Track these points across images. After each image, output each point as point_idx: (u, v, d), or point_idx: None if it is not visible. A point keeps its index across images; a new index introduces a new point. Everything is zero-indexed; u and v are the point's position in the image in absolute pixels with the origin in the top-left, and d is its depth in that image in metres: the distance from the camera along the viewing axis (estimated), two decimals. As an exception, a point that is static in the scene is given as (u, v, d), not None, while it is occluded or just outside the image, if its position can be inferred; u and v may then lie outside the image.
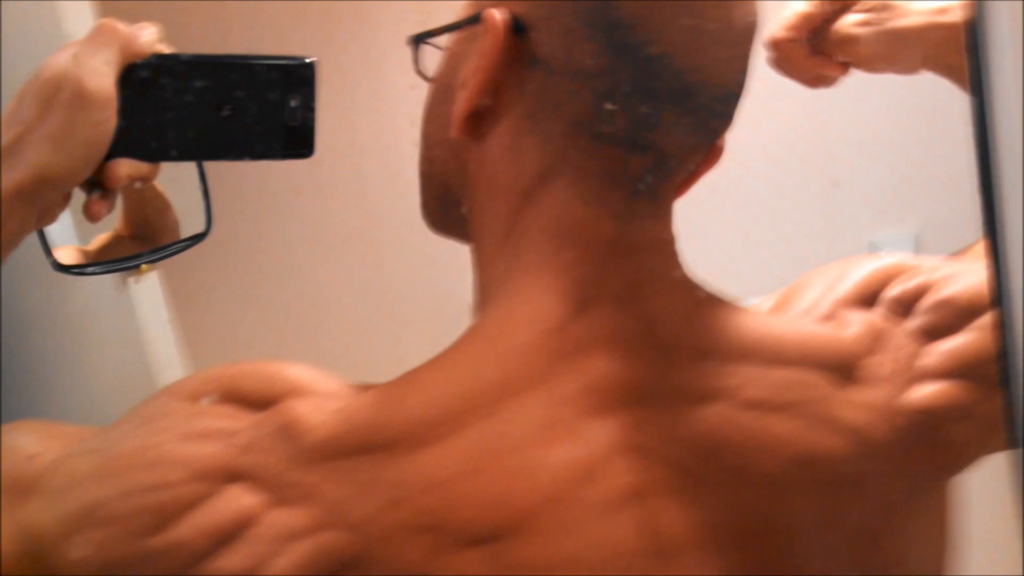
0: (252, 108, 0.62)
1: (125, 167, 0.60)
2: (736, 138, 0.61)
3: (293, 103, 0.63)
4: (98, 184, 0.61)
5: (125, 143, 0.60)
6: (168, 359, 1.13)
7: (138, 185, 0.64)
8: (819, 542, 0.55)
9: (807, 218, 1.64)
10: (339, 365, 0.60)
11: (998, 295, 0.36)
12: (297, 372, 0.55)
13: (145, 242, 0.76)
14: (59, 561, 0.51)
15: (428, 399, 0.53)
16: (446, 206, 0.64)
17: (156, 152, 0.62)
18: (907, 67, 0.75)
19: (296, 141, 0.64)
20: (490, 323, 0.57)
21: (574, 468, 0.52)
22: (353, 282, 1.82)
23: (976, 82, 0.33)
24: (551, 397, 0.53)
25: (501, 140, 0.57)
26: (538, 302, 0.55)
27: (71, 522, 0.51)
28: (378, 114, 1.71)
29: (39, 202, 0.58)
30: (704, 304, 0.58)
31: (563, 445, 0.52)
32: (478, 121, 0.58)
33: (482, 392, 0.53)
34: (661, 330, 0.56)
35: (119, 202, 0.69)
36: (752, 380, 0.55)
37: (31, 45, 1.04)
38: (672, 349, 0.56)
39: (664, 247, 0.59)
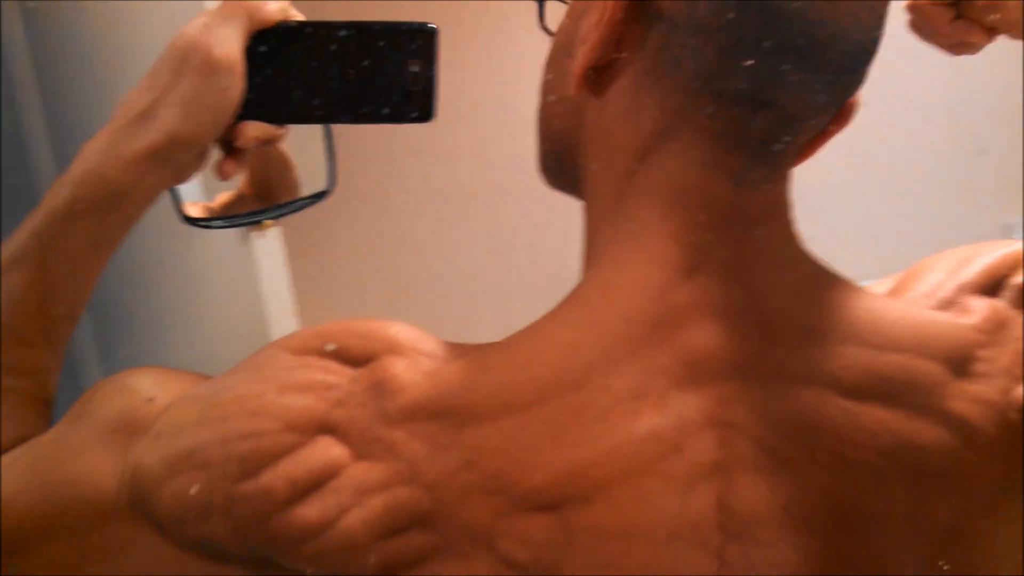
0: (374, 73, 0.64)
1: (253, 129, 0.64)
2: (870, 94, 0.57)
3: (414, 68, 0.64)
4: (229, 145, 0.65)
5: (254, 107, 0.63)
6: (284, 314, 1.15)
7: (266, 147, 0.67)
8: (903, 535, 0.53)
9: (941, 188, 1.50)
10: (451, 329, 0.60)
11: None
12: (398, 330, 0.56)
13: (267, 201, 0.78)
14: (157, 500, 0.53)
15: (518, 367, 0.53)
16: (562, 163, 0.63)
17: (283, 115, 0.66)
18: None
19: (417, 105, 0.65)
20: (592, 288, 0.56)
21: (659, 440, 0.52)
22: (470, 246, 1.83)
23: None
24: (645, 367, 0.53)
25: (620, 97, 0.56)
26: (643, 268, 0.54)
27: (171, 464, 0.53)
28: (501, 76, 1.71)
29: (172, 162, 0.63)
30: (815, 280, 0.56)
31: (650, 417, 0.52)
32: (597, 77, 0.57)
33: (574, 361, 0.53)
34: (767, 304, 0.54)
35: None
36: (858, 364, 0.53)
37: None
38: (776, 325, 0.54)
39: (779, 215, 0.57)
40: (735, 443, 0.52)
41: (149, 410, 0.57)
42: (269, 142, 0.66)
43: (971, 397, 0.53)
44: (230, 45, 0.61)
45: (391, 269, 1.83)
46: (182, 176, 0.66)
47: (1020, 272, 0.58)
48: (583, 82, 0.57)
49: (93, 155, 0.62)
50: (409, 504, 0.51)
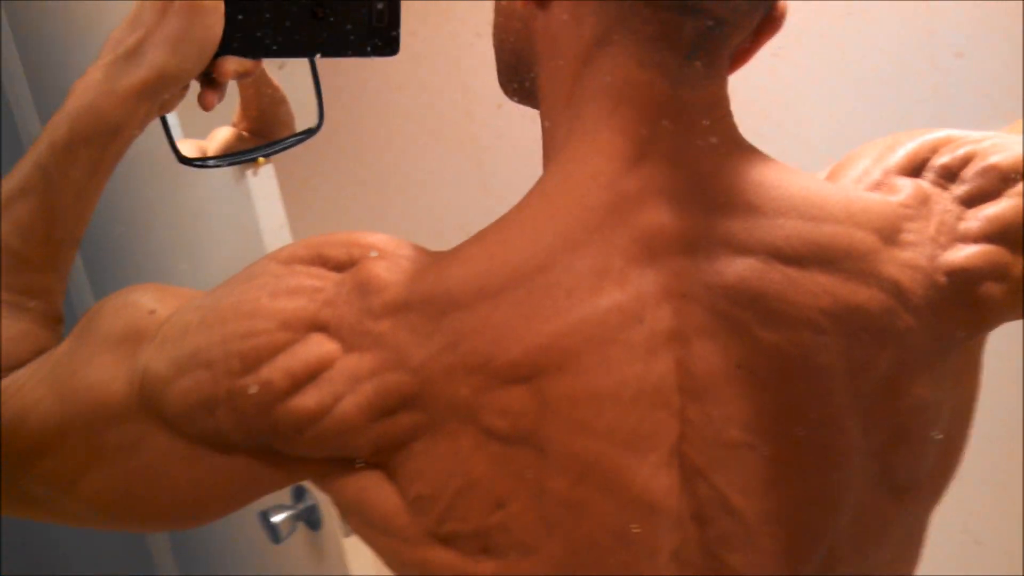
0: (342, 10, 0.68)
1: (232, 63, 0.68)
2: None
3: (379, 5, 0.69)
4: (210, 78, 0.70)
5: (232, 43, 0.68)
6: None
7: (243, 79, 0.71)
8: (845, 386, 0.58)
9: (916, 91, 1.46)
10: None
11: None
12: (377, 237, 0.61)
13: (261, 136, 0.81)
14: (166, 399, 0.59)
15: (488, 256, 0.58)
16: (518, 75, 0.68)
17: (258, 50, 0.70)
18: None
19: (383, 40, 0.70)
20: (550, 182, 0.61)
21: (620, 312, 0.56)
22: (460, 177, 1.85)
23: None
24: (604, 248, 0.57)
25: (562, 7, 0.60)
26: (595, 160, 0.59)
27: (178, 365, 0.58)
28: (478, 10, 1.71)
29: (159, 96, 0.67)
30: (754, 163, 0.60)
31: (612, 290, 0.56)
32: None
33: (539, 246, 0.57)
34: (710, 185, 0.59)
35: (237, 98, 0.78)
36: (798, 235, 0.57)
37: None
38: (720, 204, 0.58)
39: (717, 110, 0.61)
40: (689, 311, 0.57)
41: (152, 320, 0.62)
42: (246, 75, 0.70)
43: (901, 263, 0.58)
44: None
45: (383, 202, 1.86)
46: (168, 107, 0.71)
47: (941, 154, 0.62)
48: None
49: (87, 92, 0.66)
50: (398, 387, 0.56)
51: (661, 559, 0.58)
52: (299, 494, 1.39)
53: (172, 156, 0.75)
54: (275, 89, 0.79)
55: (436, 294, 0.57)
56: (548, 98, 0.64)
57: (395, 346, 0.56)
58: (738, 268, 0.57)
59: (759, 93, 1.50)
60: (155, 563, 2.31)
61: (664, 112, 0.59)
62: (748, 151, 0.61)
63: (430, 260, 0.59)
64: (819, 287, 0.57)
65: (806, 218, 0.58)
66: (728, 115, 0.62)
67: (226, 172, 1.17)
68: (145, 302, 0.64)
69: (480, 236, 0.59)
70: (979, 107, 1.39)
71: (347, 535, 1.32)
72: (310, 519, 1.38)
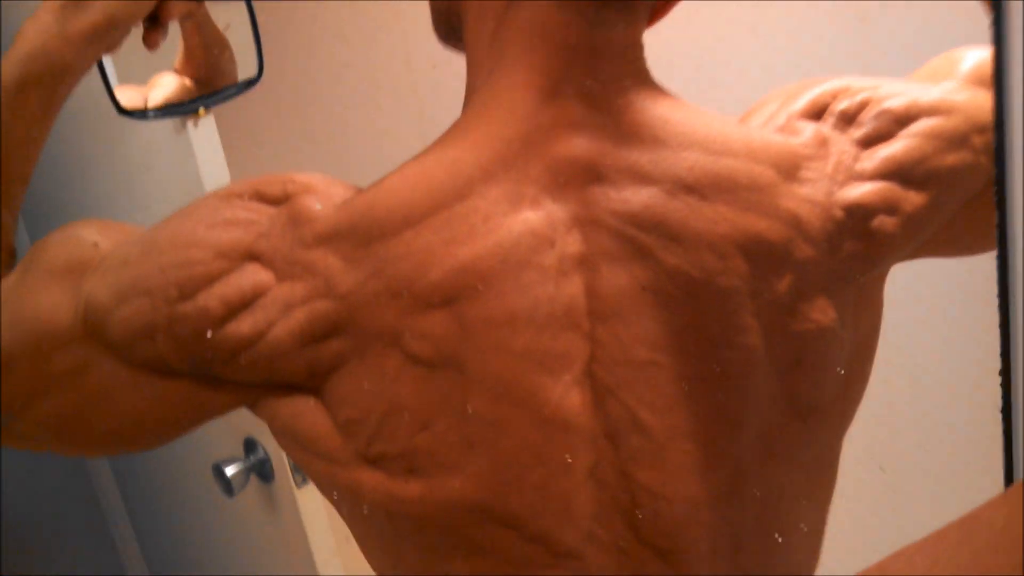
0: None
1: (176, 4, 0.72)
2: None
3: None
4: (154, 18, 0.73)
5: None
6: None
7: (186, 20, 0.74)
8: (747, 307, 0.61)
9: (832, 58, 1.47)
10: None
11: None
12: (310, 175, 0.63)
13: (205, 84, 0.80)
14: (109, 326, 0.61)
15: (411, 186, 0.60)
16: (449, 20, 0.70)
17: None
18: None
19: None
20: (470, 116, 0.63)
21: (534, 236, 0.59)
22: (400, 128, 1.84)
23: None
24: (518, 177, 0.60)
25: None
26: (512, 95, 0.61)
27: (119, 293, 0.61)
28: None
29: (109, 39, 0.71)
30: (663, 101, 0.63)
31: (526, 216, 0.59)
32: None
33: (458, 176, 0.60)
34: (620, 120, 0.61)
35: (181, 45, 0.80)
36: (700, 166, 0.60)
37: None
38: (629, 136, 0.61)
39: (631, 53, 0.64)
40: (597, 237, 0.60)
41: (95, 253, 0.65)
42: (189, 16, 0.73)
43: (800, 197, 0.62)
44: None
45: (325, 153, 1.85)
46: (113, 48, 0.73)
47: (840, 100, 0.66)
48: None
49: (38, 35, 0.69)
50: (327, 314, 0.59)
51: (578, 477, 0.61)
52: (251, 447, 1.40)
53: (111, 108, 0.75)
54: (218, 33, 0.79)
55: (364, 223, 0.59)
56: (473, 40, 0.66)
57: (325, 274, 0.59)
58: (643, 196, 0.60)
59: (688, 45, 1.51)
60: (108, 519, 2.31)
61: (579, 52, 0.61)
62: (658, 91, 0.64)
63: (359, 193, 0.61)
64: (720, 216, 0.60)
65: (708, 152, 0.61)
66: (641, 59, 0.64)
67: (166, 124, 1.15)
68: (88, 235, 0.66)
69: (404, 168, 0.62)
70: (882, 69, 1.41)
71: (299, 486, 1.33)
72: (262, 471, 1.39)
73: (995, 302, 0.42)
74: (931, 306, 1.48)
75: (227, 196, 0.63)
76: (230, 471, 1.37)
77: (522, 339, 0.58)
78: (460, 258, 0.58)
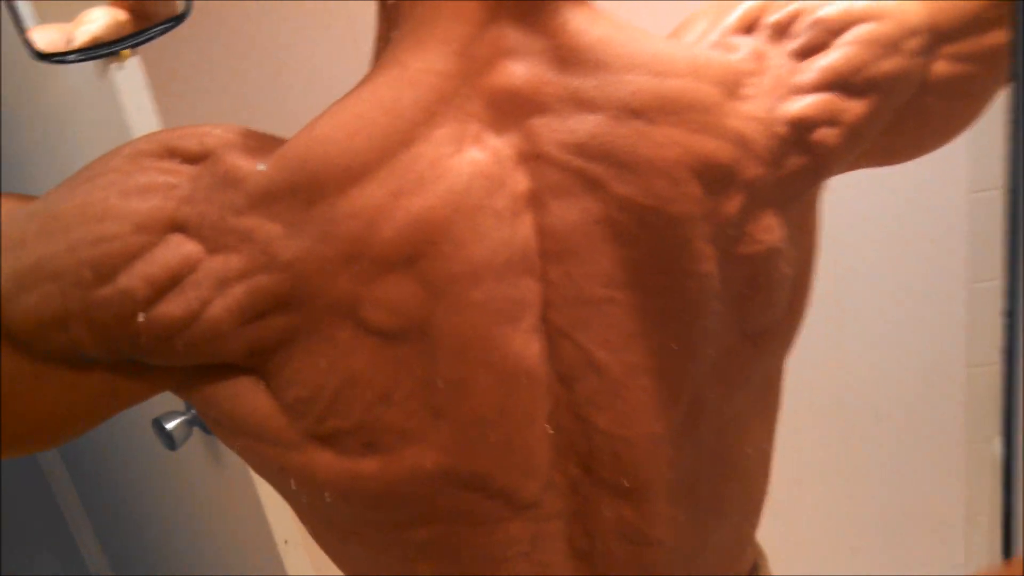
0: None
1: None
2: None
3: None
4: None
5: None
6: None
7: None
8: (701, 232, 0.59)
9: None
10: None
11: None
12: (228, 127, 0.57)
13: (143, 15, 0.74)
14: (10, 316, 0.54)
15: (348, 135, 0.54)
16: None
17: None
18: None
19: None
20: (402, 48, 0.58)
21: (483, 177, 0.56)
22: (333, 63, 1.78)
23: None
24: (459, 114, 0.56)
25: None
26: (445, 24, 0.57)
27: (19, 279, 0.54)
28: None
29: None
30: (602, 23, 0.60)
31: (472, 157, 0.56)
32: None
33: (399, 120, 0.55)
34: (559, 44, 0.58)
35: None
36: (644, 89, 0.58)
37: None
38: (569, 62, 0.58)
39: None
40: (544, 172, 0.57)
41: None
42: None
43: (743, 115, 0.60)
44: None
45: (260, 94, 1.78)
46: None
47: (770, 12, 0.65)
48: None
49: None
50: (270, 287, 0.54)
51: (538, 426, 0.60)
52: (192, 399, 1.37)
53: (25, 51, 0.70)
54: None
55: (302, 181, 0.54)
56: None
57: (263, 242, 0.53)
58: (589, 125, 0.57)
59: None
60: (48, 479, 2.27)
61: None
62: (595, 11, 0.61)
63: (290, 145, 0.55)
64: (668, 139, 0.57)
65: (652, 73, 0.58)
66: None
67: (87, 67, 1.09)
68: None
69: (336, 111, 0.56)
70: None
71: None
72: (204, 423, 1.36)
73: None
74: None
75: (134, 155, 0.56)
76: (170, 425, 1.34)
77: (483, 289, 0.56)
78: (412, 211, 0.54)
